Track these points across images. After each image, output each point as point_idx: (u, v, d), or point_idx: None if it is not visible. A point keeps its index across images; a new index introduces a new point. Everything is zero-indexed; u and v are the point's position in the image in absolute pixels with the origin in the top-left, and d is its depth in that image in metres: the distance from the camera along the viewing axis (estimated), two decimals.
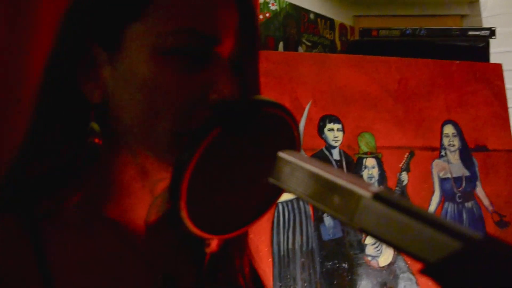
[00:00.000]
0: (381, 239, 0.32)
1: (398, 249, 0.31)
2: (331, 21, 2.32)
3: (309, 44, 2.19)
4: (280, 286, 1.36)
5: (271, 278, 1.36)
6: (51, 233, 0.53)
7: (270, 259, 1.39)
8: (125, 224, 0.58)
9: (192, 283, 0.57)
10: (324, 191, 0.36)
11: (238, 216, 0.48)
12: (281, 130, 0.49)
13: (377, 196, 0.33)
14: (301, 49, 2.14)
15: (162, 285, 0.56)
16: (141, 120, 0.51)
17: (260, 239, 1.41)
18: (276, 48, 1.98)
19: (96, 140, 0.52)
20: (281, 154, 0.41)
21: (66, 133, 0.53)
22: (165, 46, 0.49)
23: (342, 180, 0.35)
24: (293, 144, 0.50)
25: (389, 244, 0.32)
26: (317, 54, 1.73)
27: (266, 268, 1.38)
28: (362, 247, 1.44)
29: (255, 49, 0.57)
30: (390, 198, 0.32)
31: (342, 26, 2.39)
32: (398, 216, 0.31)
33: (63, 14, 0.55)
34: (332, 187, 0.35)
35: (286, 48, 2.05)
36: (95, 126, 0.52)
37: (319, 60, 1.61)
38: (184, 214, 0.42)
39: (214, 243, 0.52)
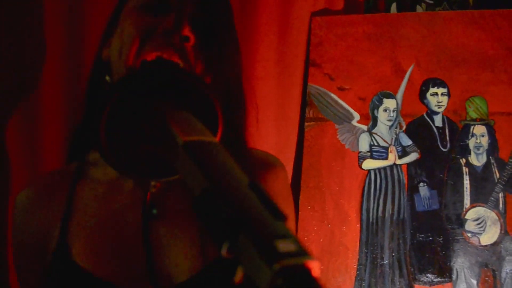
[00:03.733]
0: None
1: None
2: None
3: (431, 2, 2.00)
4: (367, 252, 1.34)
5: (357, 244, 1.35)
6: (86, 173, 0.77)
7: (358, 225, 1.37)
8: None
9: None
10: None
11: (152, 166, 0.51)
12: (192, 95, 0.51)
13: (186, 146, 0.35)
14: (420, 9, 1.97)
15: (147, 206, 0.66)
16: (115, 57, 0.69)
17: (350, 204, 1.39)
18: (388, 10, 1.86)
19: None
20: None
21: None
22: (138, 4, 0.68)
23: (176, 126, 0.40)
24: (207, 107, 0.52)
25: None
26: (424, 13, 1.58)
27: (353, 233, 1.36)
28: (461, 222, 1.32)
29: (223, 11, 0.67)
30: (197, 150, 0.35)
31: None
32: (192, 166, 0.33)
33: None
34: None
35: (400, 9, 1.91)
36: (107, 78, 0.71)
37: (425, 19, 1.48)
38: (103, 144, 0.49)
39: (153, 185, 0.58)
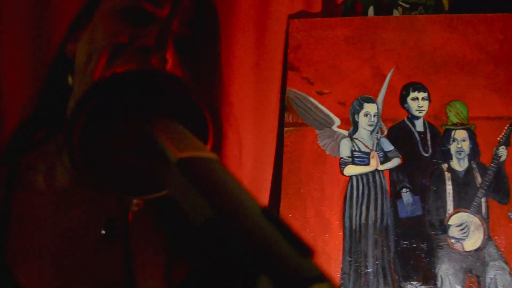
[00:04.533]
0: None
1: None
2: None
3: (407, 6, 2.00)
4: (350, 261, 1.30)
5: (341, 252, 1.31)
6: (23, 178, 0.65)
7: (341, 233, 1.33)
8: None
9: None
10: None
11: (131, 182, 0.45)
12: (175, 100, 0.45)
13: (181, 163, 0.30)
14: (396, 13, 1.98)
15: (105, 227, 0.59)
16: (81, 62, 0.61)
17: (332, 211, 1.36)
18: (366, 14, 1.85)
19: None
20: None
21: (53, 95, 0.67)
22: (116, 7, 0.60)
23: (165, 139, 0.35)
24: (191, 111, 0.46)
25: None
26: (403, 16, 1.58)
27: (336, 241, 1.33)
28: (444, 228, 1.31)
29: (210, 31, 0.61)
30: (195, 170, 0.30)
31: None
32: (191, 189, 0.28)
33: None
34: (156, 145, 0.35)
35: (377, 12, 1.90)
36: (69, 79, 0.64)
37: (405, 23, 1.47)
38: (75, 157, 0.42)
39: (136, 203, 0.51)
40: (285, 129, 1.46)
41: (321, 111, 1.44)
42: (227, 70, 1.53)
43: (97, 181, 0.44)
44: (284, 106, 1.49)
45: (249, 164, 1.47)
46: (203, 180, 0.32)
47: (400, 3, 2.04)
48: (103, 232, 0.60)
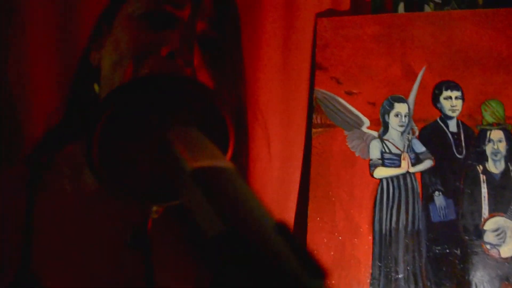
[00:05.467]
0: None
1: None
2: None
3: (439, 1, 1.93)
4: (380, 266, 1.27)
5: (370, 257, 1.28)
6: (47, 181, 0.64)
7: (370, 237, 1.30)
8: None
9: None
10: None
11: (150, 188, 0.44)
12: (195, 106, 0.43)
13: (195, 174, 0.30)
14: (428, 8, 1.91)
15: (131, 236, 0.58)
16: (107, 71, 0.61)
17: (361, 215, 1.33)
18: (396, 10, 1.80)
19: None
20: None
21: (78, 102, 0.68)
22: (137, 12, 0.59)
23: (181, 147, 0.34)
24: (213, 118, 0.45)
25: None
26: (434, 12, 1.52)
27: (365, 246, 1.30)
28: (479, 233, 1.26)
29: (232, 28, 0.60)
30: (209, 181, 0.29)
31: None
32: (203, 201, 0.28)
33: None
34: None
35: (408, 9, 1.84)
36: (96, 87, 0.63)
37: (436, 19, 1.42)
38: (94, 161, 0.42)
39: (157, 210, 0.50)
40: (313, 130, 1.44)
41: (350, 112, 1.41)
42: (254, 71, 1.52)
43: (115, 186, 0.44)
44: (312, 107, 1.47)
45: (277, 166, 1.46)
46: (216, 192, 0.31)
47: None
48: (128, 240, 0.60)
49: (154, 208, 0.55)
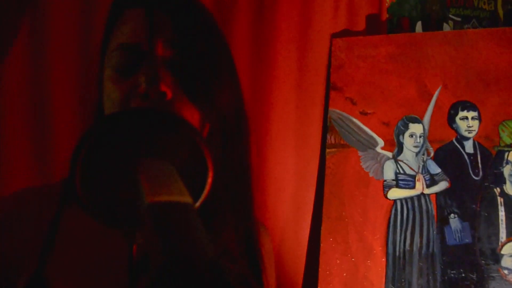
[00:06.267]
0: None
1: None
2: None
3: (458, 19, 1.92)
4: None
5: (383, 280, 1.26)
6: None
7: (384, 259, 1.28)
8: None
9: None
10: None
11: (130, 216, 0.46)
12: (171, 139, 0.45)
13: (150, 208, 0.32)
14: (447, 27, 1.89)
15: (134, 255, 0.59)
16: (107, 108, 0.63)
17: (374, 236, 1.31)
18: (413, 30, 1.79)
19: None
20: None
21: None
22: (111, 64, 0.61)
23: (145, 180, 0.36)
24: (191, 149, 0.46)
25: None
26: (451, 32, 1.50)
27: (378, 268, 1.28)
28: (496, 257, 1.22)
29: (197, 44, 0.59)
30: (160, 215, 0.31)
31: None
32: (153, 233, 0.30)
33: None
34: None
35: (426, 28, 1.83)
36: None
37: (453, 38, 1.40)
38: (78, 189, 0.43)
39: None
40: (327, 150, 1.44)
41: (364, 132, 1.41)
42: (268, 91, 1.54)
43: (99, 214, 0.46)
44: (326, 127, 1.47)
45: (291, 186, 1.46)
46: (165, 226, 0.33)
47: (451, 16, 1.95)
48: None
49: (139, 234, 0.57)
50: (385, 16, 1.65)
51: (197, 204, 0.46)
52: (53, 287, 0.63)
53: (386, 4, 1.67)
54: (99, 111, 0.70)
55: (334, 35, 1.56)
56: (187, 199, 0.37)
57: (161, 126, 0.44)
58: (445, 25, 1.94)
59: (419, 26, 1.86)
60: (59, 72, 1.31)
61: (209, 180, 0.44)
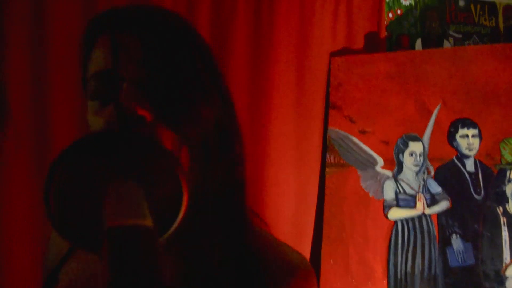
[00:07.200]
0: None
1: None
2: (491, 4, 1.98)
3: (459, 36, 1.91)
4: None
5: None
6: None
7: (385, 281, 1.25)
8: None
9: None
10: None
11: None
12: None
13: (108, 231, 0.34)
14: (447, 44, 1.88)
15: None
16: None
17: (375, 258, 1.28)
18: (413, 47, 1.78)
19: None
20: None
21: None
22: (87, 94, 0.58)
23: (109, 202, 0.37)
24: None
25: None
26: (449, 48, 1.49)
27: None
28: (501, 280, 1.19)
29: (168, 62, 0.57)
30: (115, 239, 0.33)
31: (508, 8, 2.02)
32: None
33: None
34: None
35: (426, 45, 1.82)
36: None
37: (452, 55, 1.39)
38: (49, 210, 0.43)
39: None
40: (327, 169, 1.42)
41: (364, 151, 1.39)
42: (266, 110, 1.53)
43: (73, 236, 0.45)
44: (326, 146, 1.45)
45: (290, 207, 1.44)
46: (118, 250, 0.35)
47: (451, 33, 1.94)
48: None
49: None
50: (383, 33, 1.64)
51: (173, 226, 0.45)
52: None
53: (385, 22, 1.67)
54: None
55: (333, 54, 1.55)
56: (148, 222, 0.37)
57: (133, 147, 0.44)
58: (445, 42, 1.93)
59: (419, 43, 1.85)
60: (60, 71, 1.32)
61: (184, 202, 0.43)
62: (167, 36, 0.59)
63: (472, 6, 1.97)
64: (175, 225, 0.45)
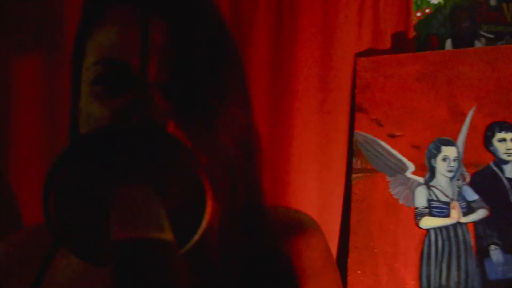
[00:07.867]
0: None
1: None
2: None
3: (491, 36, 1.82)
4: None
5: None
6: None
7: None
8: None
9: None
10: None
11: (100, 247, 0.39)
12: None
13: (114, 245, 0.29)
14: (478, 44, 1.80)
15: None
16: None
17: (406, 269, 1.21)
18: (442, 47, 1.70)
19: None
20: None
21: None
22: (90, 77, 0.51)
23: (117, 211, 0.32)
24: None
25: None
26: (483, 48, 1.42)
27: None
28: None
29: (200, 67, 0.49)
30: (123, 255, 0.29)
31: None
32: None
33: None
34: None
35: (456, 45, 1.74)
36: None
37: (486, 55, 1.32)
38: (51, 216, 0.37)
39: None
40: (353, 175, 1.36)
41: (393, 156, 1.32)
42: (288, 114, 1.48)
43: (74, 246, 0.40)
44: (352, 151, 1.39)
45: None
46: (131, 271, 0.30)
47: (483, 33, 1.86)
48: None
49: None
50: (412, 33, 1.58)
51: (194, 238, 0.39)
52: None
53: (413, 21, 1.61)
54: (73, 127, 0.62)
55: (359, 54, 1.50)
56: (166, 235, 0.31)
57: (148, 146, 0.37)
58: (476, 42, 1.85)
59: (448, 43, 1.78)
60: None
61: (208, 209, 0.37)
62: (203, 29, 0.50)
63: (504, 5, 1.89)
64: (196, 237, 0.39)
